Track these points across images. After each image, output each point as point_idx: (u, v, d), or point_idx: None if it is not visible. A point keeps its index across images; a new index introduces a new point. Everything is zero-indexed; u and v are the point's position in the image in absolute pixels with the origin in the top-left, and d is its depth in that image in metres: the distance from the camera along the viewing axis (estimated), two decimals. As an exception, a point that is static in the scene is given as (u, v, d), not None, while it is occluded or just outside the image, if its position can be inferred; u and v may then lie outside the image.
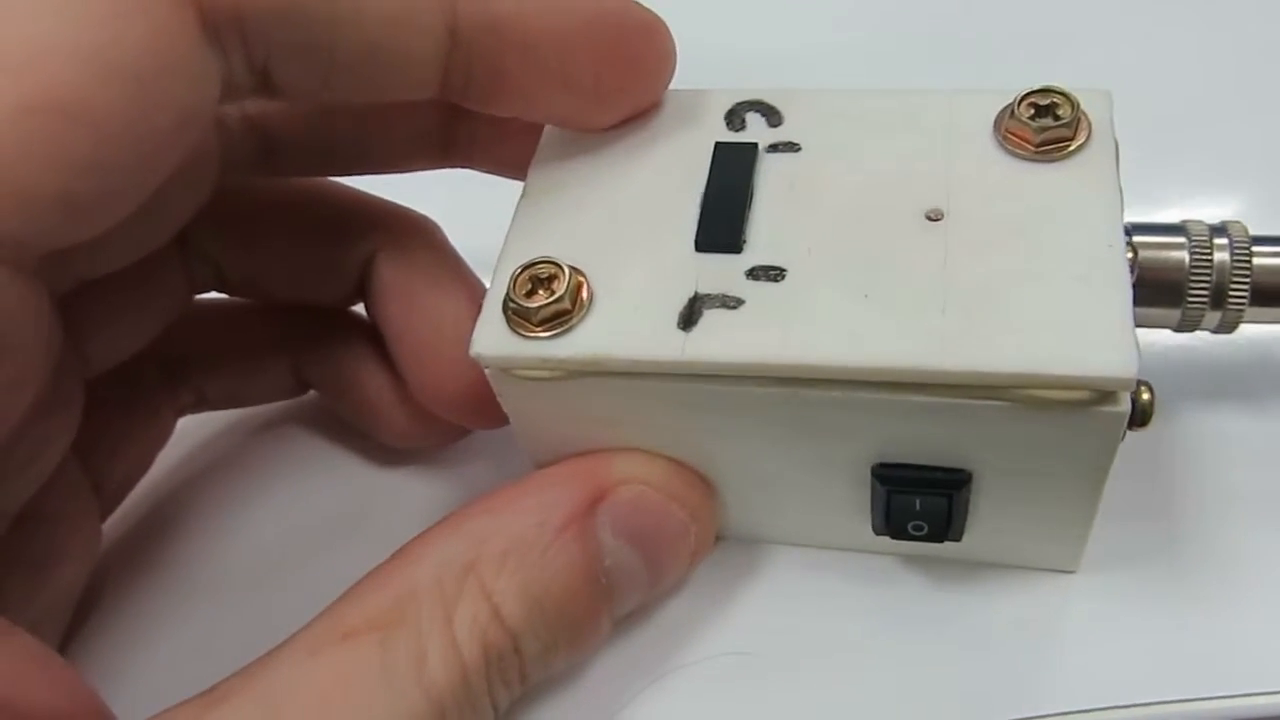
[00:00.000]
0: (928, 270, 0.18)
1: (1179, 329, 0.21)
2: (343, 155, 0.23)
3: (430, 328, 0.23)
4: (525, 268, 0.19)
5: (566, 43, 0.19)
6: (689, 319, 0.18)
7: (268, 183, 0.24)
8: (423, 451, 0.26)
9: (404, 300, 0.23)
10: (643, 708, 0.21)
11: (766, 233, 0.19)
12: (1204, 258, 0.20)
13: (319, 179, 0.24)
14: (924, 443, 0.18)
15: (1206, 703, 0.20)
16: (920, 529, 0.20)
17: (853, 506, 0.20)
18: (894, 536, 0.20)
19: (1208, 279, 0.20)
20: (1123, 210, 0.19)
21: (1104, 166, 0.19)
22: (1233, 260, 0.20)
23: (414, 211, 0.24)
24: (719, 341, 0.18)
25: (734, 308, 0.18)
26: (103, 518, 0.23)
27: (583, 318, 0.19)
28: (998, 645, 0.21)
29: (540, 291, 0.19)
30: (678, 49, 0.21)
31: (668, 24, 0.20)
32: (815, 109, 0.21)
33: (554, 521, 0.19)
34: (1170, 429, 0.23)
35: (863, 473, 0.19)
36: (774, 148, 0.20)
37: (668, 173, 0.20)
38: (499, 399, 0.20)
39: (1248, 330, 0.21)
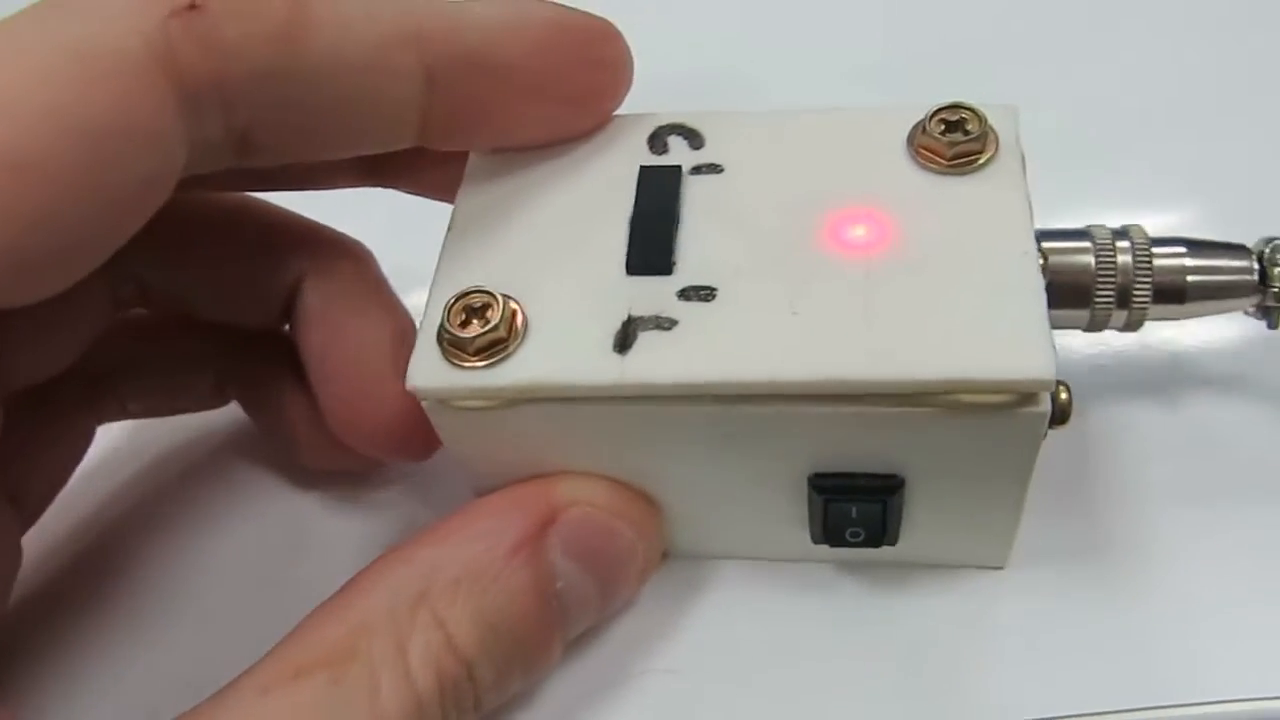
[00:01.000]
0: (851, 285, 0.18)
1: (1089, 329, 0.22)
2: (269, 173, 0.23)
3: (350, 360, 0.23)
4: (459, 297, 0.19)
5: (536, 57, 0.20)
6: (624, 342, 0.18)
7: (196, 199, 0.23)
8: (348, 475, 0.26)
9: (325, 329, 0.23)
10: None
11: (695, 254, 0.19)
12: (1108, 260, 0.21)
13: (250, 198, 0.24)
14: (858, 451, 0.19)
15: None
16: (857, 535, 0.21)
17: (792, 517, 0.21)
18: (832, 544, 0.21)
19: (1113, 280, 0.21)
20: (1033, 218, 0.20)
21: (1013, 177, 0.20)
22: (1135, 261, 0.21)
23: (346, 236, 0.24)
24: (656, 363, 0.18)
25: (668, 329, 0.19)
26: (21, 531, 0.23)
27: (519, 345, 0.19)
28: (934, 647, 0.21)
29: (475, 321, 0.19)
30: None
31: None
32: (734, 130, 0.21)
33: (504, 547, 0.19)
34: (1085, 427, 0.24)
35: (800, 484, 0.20)
36: (697, 170, 0.21)
37: (594, 197, 0.21)
38: (437, 430, 0.20)
39: (1152, 329, 0.22)
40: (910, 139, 0.20)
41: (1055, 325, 0.21)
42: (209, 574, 0.25)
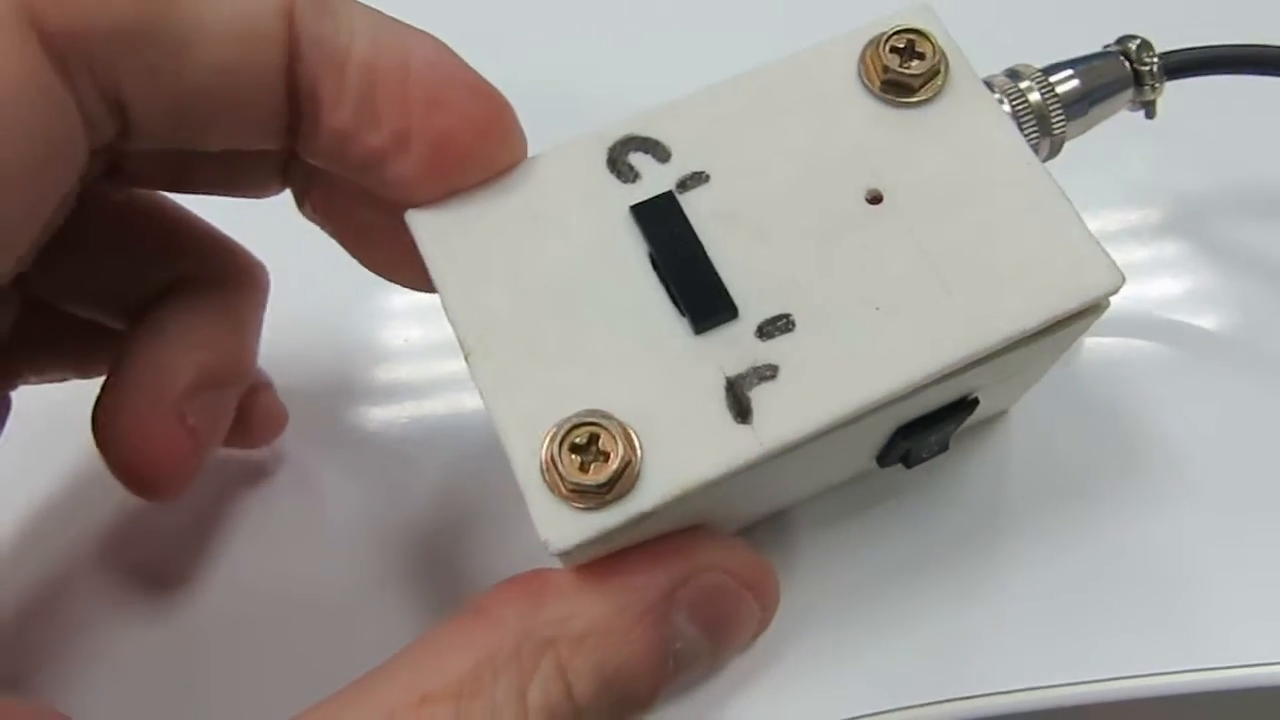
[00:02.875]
0: (907, 257, 0.19)
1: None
2: (189, 174, 0.22)
3: (137, 382, 0.22)
4: (554, 441, 0.17)
5: (404, 94, 0.18)
6: (741, 409, 0.18)
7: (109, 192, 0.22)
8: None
9: (141, 341, 0.22)
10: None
11: (745, 283, 0.19)
12: (1021, 101, 0.23)
13: (164, 198, 0.23)
14: (942, 396, 0.20)
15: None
16: (930, 452, 0.22)
17: (868, 456, 0.22)
18: (907, 466, 0.22)
19: (1031, 116, 0.23)
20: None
21: (975, 87, 0.20)
22: (1042, 95, 0.23)
23: (245, 255, 0.24)
24: (785, 417, 0.18)
25: (773, 378, 0.18)
26: None
27: (642, 462, 0.18)
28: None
29: (591, 459, 0.17)
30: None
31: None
32: (688, 126, 0.20)
33: (636, 608, 0.19)
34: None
35: (884, 438, 0.21)
36: (682, 185, 0.19)
37: (595, 255, 0.19)
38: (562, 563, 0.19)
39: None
40: (866, 77, 0.20)
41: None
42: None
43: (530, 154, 0.20)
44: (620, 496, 0.17)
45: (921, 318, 0.18)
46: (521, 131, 0.19)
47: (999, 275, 0.18)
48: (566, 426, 0.17)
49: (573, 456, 0.17)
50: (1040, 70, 0.23)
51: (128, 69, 0.17)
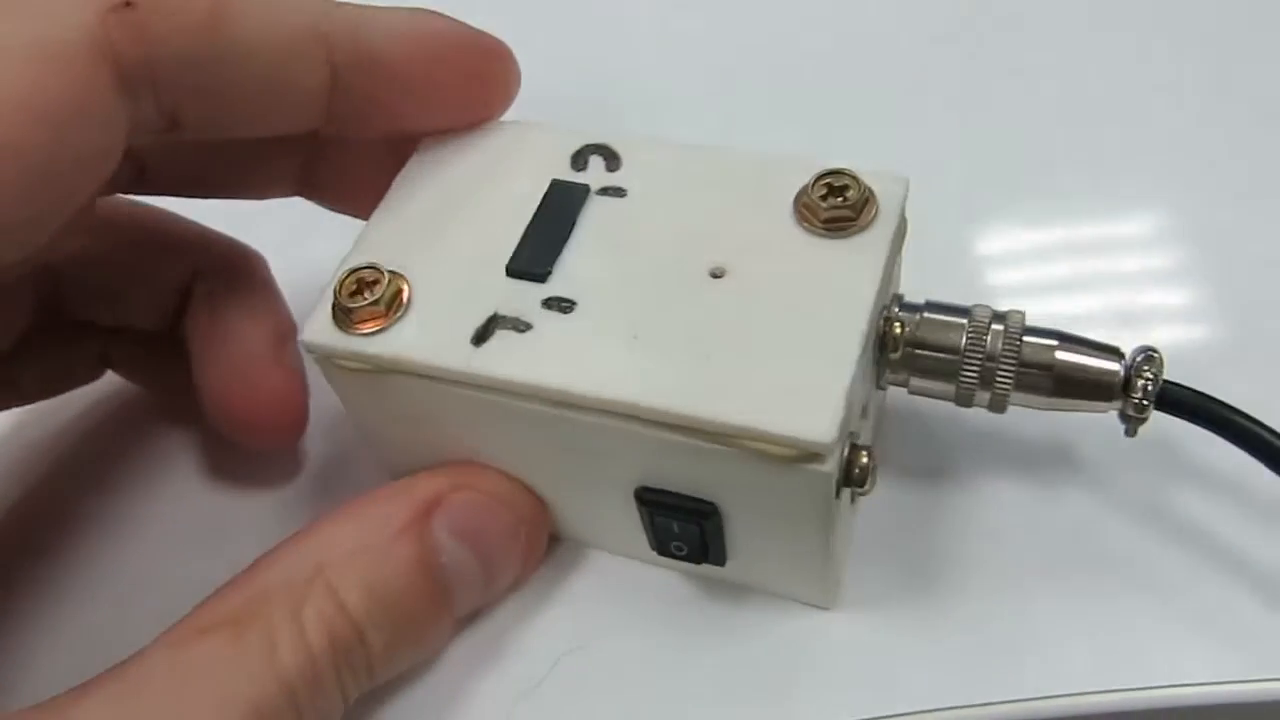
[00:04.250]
0: (695, 322, 0.20)
1: (957, 403, 0.23)
2: (208, 182, 0.26)
3: (228, 350, 0.25)
4: (353, 271, 0.21)
5: (427, 65, 0.22)
6: (482, 336, 0.21)
7: (105, 206, 0.26)
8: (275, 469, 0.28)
9: (209, 321, 0.26)
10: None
11: (572, 268, 0.21)
12: (978, 340, 0.22)
13: (151, 206, 0.27)
14: (675, 474, 0.21)
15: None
16: (681, 550, 0.22)
17: (635, 523, 0.23)
18: (661, 553, 0.23)
19: (978, 361, 0.22)
20: (886, 288, 0.21)
21: (879, 247, 0.21)
22: (1003, 346, 0.22)
23: (239, 243, 0.27)
24: (500, 359, 0.20)
25: (523, 331, 0.21)
26: None
27: (396, 322, 0.21)
28: (756, 666, 0.23)
29: (364, 294, 0.21)
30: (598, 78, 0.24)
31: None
32: (651, 158, 0.23)
33: (394, 525, 0.21)
34: (952, 494, 0.25)
35: (630, 494, 0.22)
36: (605, 191, 0.23)
37: (507, 201, 0.23)
38: (331, 386, 0.23)
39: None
40: (796, 197, 0.22)
41: (924, 395, 0.23)
42: (129, 548, 0.27)
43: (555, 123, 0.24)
44: (365, 335, 0.21)
45: (654, 364, 0.20)
46: (517, 74, 0.24)
47: (742, 377, 0.19)
48: (366, 265, 0.21)
49: (353, 286, 0.21)
50: (1026, 326, 0.22)
51: (185, 87, 0.20)
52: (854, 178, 0.21)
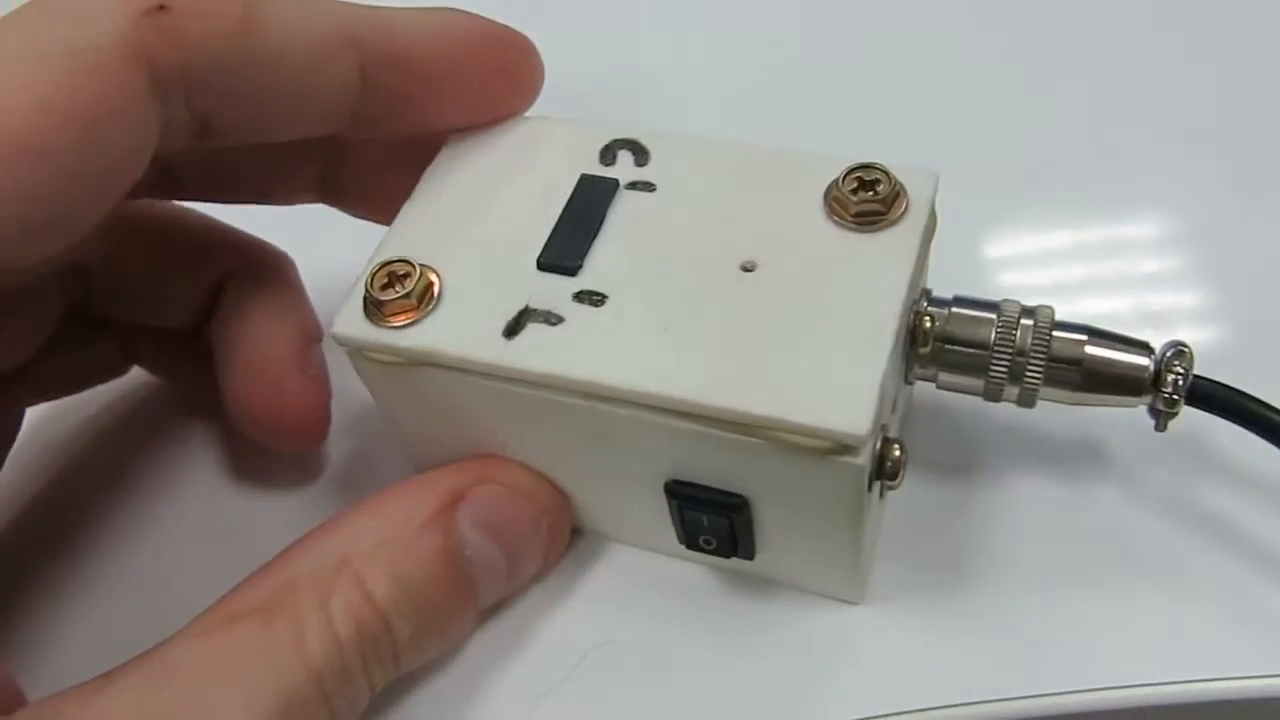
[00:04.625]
0: (725, 315, 0.20)
1: (985, 398, 0.23)
2: (232, 187, 0.26)
3: (255, 353, 0.25)
4: (384, 265, 0.21)
5: (455, 64, 0.23)
6: (514, 329, 0.21)
7: (138, 207, 0.26)
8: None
9: (237, 323, 0.26)
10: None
11: (603, 262, 0.21)
12: (1008, 335, 0.22)
13: (185, 209, 0.27)
14: (706, 467, 0.21)
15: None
16: (710, 544, 0.22)
17: (662, 517, 0.23)
18: (689, 547, 0.23)
19: (1007, 355, 0.22)
20: (917, 282, 0.21)
21: (910, 242, 0.21)
22: (1033, 340, 0.22)
23: (270, 245, 0.27)
24: (532, 352, 0.20)
25: (555, 324, 0.21)
26: None
27: (428, 314, 0.21)
28: (783, 661, 0.23)
29: (395, 286, 0.21)
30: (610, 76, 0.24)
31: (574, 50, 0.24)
32: (680, 154, 0.23)
33: (419, 517, 0.21)
34: (979, 489, 0.25)
35: (660, 488, 0.22)
36: (634, 185, 0.23)
37: (537, 195, 0.23)
38: (360, 378, 0.23)
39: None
40: (826, 191, 0.22)
41: (952, 389, 0.23)
42: (156, 543, 0.27)
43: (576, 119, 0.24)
44: (397, 328, 0.21)
45: (687, 356, 0.20)
46: (541, 69, 0.24)
47: (774, 369, 0.19)
48: (397, 259, 0.21)
49: (384, 279, 0.21)
50: (1055, 321, 0.22)
51: (217, 91, 0.20)
52: (885, 172, 0.21)
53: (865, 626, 0.23)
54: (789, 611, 0.24)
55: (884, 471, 0.20)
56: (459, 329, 0.21)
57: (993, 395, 0.23)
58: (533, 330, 0.21)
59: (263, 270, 0.27)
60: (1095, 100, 0.33)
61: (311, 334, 0.27)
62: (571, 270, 0.21)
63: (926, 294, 0.23)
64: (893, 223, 0.21)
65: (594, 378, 0.20)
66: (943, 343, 0.23)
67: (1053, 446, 0.25)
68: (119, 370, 0.29)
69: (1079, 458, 0.25)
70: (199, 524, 0.27)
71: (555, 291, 0.21)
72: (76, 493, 0.29)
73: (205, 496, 0.28)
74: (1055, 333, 0.22)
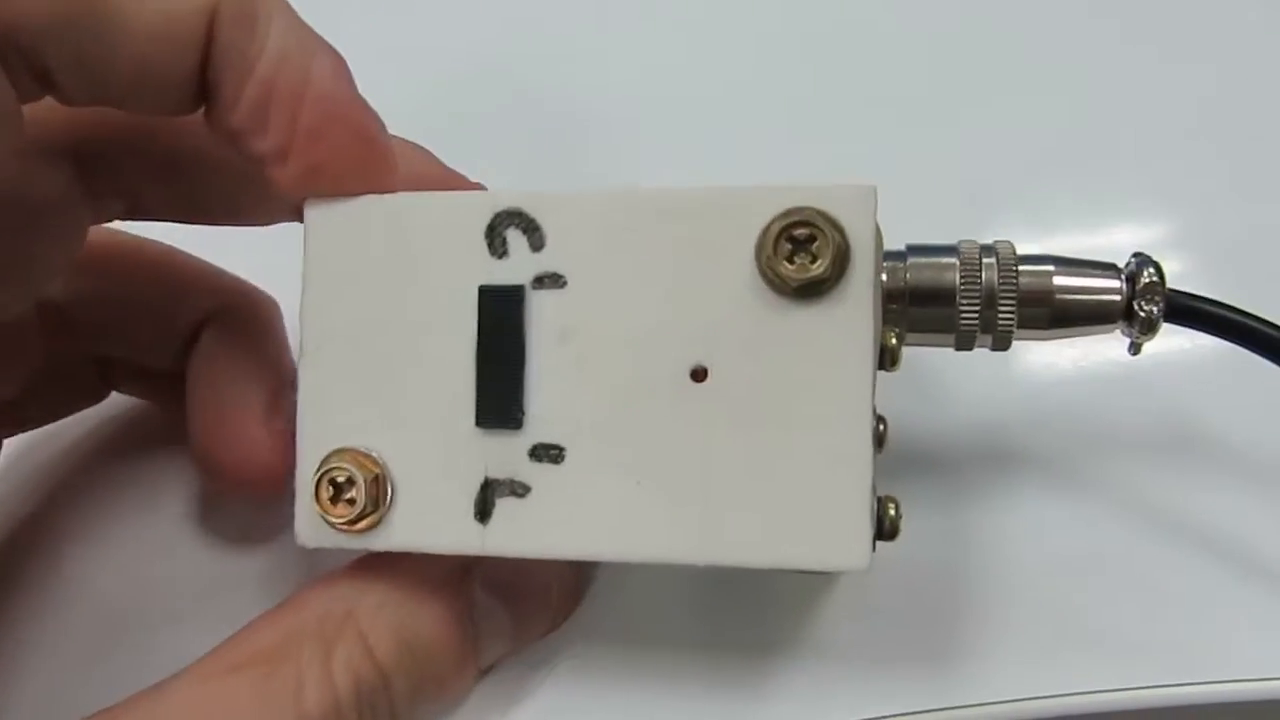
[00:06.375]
0: (691, 450, 0.19)
1: (957, 347, 0.22)
2: (203, 208, 0.24)
3: (220, 399, 0.24)
4: (323, 472, 0.20)
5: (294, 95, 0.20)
6: (484, 509, 0.20)
7: (117, 240, 0.25)
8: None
9: (207, 367, 0.25)
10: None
11: (543, 402, 0.20)
12: (973, 277, 0.21)
13: (172, 249, 0.26)
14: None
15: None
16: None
17: None
18: None
19: (976, 298, 0.21)
20: (877, 335, 0.19)
21: (862, 305, 0.18)
22: (1000, 278, 0.21)
23: (255, 289, 0.26)
24: (513, 535, 0.20)
25: (522, 496, 0.20)
26: None
27: (388, 514, 0.20)
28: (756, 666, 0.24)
29: (344, 496, 0.20)
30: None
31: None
32: (575, 221, 0.20)
33: (431, 579, 0.22)
34: (959, 490, 0.25)
35: None
36: (539, 281, 0.20)
37: (440, 326, 0.20)
38: None
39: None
40: (758, 250, 0.19)
41: (922, 344, 0.22)
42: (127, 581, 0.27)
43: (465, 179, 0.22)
44: (361, 532, 0.20)
45: (671, 509, 0.19)
46: (393, 164, 0.21)
47: (756, 508, 0.19)
48: (331, 463, 0.20)
49: (329, 490, 0.20)
50: (1019, 255, 0.21)
51: (55, 55, 0.19)
52: (815, 222, 0.18)
53: (840, 630, 0.24)
54: (764, 616, 0.24)
55: (883, 534, 0.20)
56: (428, 521, 0.20)
57: (964, 343, 0.22)
58: (504, 507, 0.20)
59: (242, 315, 0.26)
60: (1068, 107, 0.30)
61: (287, 383, 0.25)
62: (516, 424, 0.20)
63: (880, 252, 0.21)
64: (839, 282, 0.19)
65: (581, 552, 0.20)
66: (909, 302, 0.21)
67: (1035, 446, 0.25)
68: (98, 397, 0.28)
69: (1061, 457, 0.25)
70: (188, 554, 0.28)
71: (507, 454, 0.20)
72: (58, 520, 0.29)
73: (193, 526, 0.28)
74: (1021, 266, 0.21)
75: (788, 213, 0.18)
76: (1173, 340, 0.24)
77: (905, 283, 0.21)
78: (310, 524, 0.20)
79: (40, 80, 0.19)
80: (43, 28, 0.18)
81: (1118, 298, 0.21)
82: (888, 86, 0.31)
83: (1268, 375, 0.21)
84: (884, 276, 0.21)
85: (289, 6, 0.20)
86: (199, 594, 0.27)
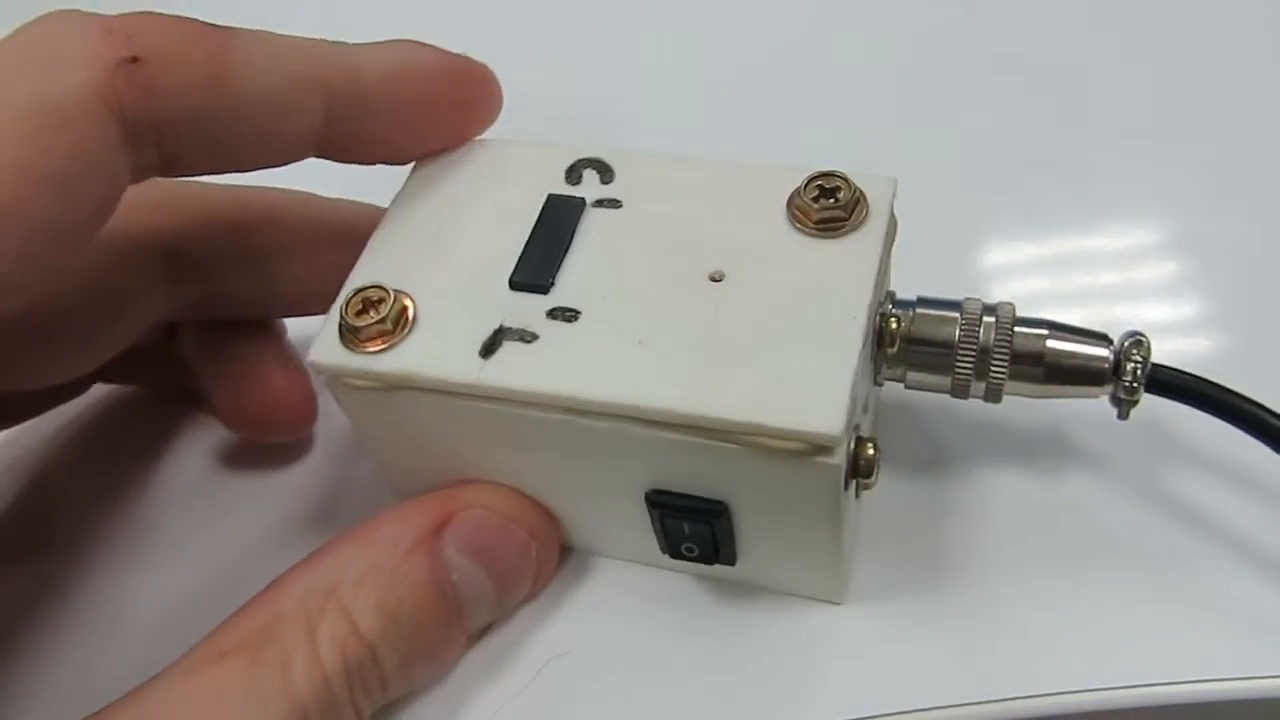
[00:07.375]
0: (698, 325, 0.21)
1: (953, 394, 0.24)
2: (234, 158, 0.25)
3: (232, 359, 0.27)
4: (359, 291, 0.22)
5: (422, 104, 0.23)
6: (490, 348, 0.21)
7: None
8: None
9: (212, 340, 0.27)
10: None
11: (574, 279, 0.22)
12: (971, 333, 0.23)
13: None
14: (685, 475, 0.21)
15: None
16: (692, 551, 0.23)
17: (645, 529, 0.23)
18: (673, 556, 0.23)
19: (972, 352, 0.23)
20: (881, 285, 0.22)
21: (872, 245, 0.21)
22: (996, 337, 0.23)
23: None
24: (509, 370, 0.21)
25: (529, 342, 0.21)
26: None
27: (403, 338, 0.21)
28: (766, 662, 0.23)
29: (370, 312, 0.21)
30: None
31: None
32: (643, 171, 0.23)
33: (404, 544, 0.22)
34: (952, 487, 0.25)
35: (641, 498, 0.22)
36: (600, 203, 0.23)
37: (505, 217, 0.23)
38: (339, 405, 0.23)
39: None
40: (790, 200, 0.22)
41: (920, 388, 0.23)
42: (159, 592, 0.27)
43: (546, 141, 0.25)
44: (373, 353, 0.21)
45: (662, 368, 0.20)
46: (499, 96, 0.25)
47: (747, 375, 0.20)
48: (371, 285, 0.22)
49: (359, 305, 0.22)
50: (1017, 317, 0.23)
51: (187, 137, 0.21)
52: (844, 179, 0.22)
53: (844, 628, 0.24)
54: (768, 616, 0.24)
55: (859, 470, 0.21)
56: (435, 351, 0.21)
57: (960, 392, 0.23)
58: (508, 349, 0.21)
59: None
60: (1060, 110, 0.33)
61: (281, 330, 0.28)
62: (543, 288, 0.22)
63: (890, 296, 0.23)
64: (855, 228, 0.22)
65: (572, 392, 0.20)
66: (909, 343, 0.23)
67: (1021, 441, 0.26)
68: (82, 388, 0.29)
69: (1049, 452, 0.26)
70: (180, 550, 0.27)
71: (528, 310, 0.21)
72: (47, 514, 0.29)
73: (186, 523, 0.28)
74: (1017, 329, 0.23)
75: (824, 174, 0.22)
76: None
77: (911, 329, 0.23)
78: (328, 340, 0.22)
79: (166, 161, 0.21)
80: (179, 118, 0.20)
81: (1104, 366, 0.23)
82: (888, 86, 0.34)
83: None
84: (895, 320, 0.23)
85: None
86: (195, 589, 0.26)
